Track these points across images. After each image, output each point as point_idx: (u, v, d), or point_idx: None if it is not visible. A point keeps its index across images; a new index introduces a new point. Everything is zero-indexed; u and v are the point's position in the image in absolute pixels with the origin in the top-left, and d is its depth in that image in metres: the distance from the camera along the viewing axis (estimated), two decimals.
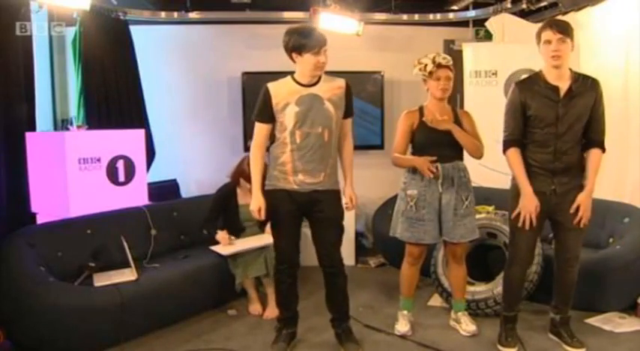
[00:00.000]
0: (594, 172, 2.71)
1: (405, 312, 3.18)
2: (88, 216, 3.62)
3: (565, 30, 2.62)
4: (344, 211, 2.89)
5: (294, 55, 2.72)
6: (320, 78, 2.79)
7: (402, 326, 3.12)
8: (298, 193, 2.76)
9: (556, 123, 2.65)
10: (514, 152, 2.73)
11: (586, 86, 2.68)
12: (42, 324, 2.85)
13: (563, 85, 2.67)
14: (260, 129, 2.79)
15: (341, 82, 2.83)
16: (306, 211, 2.83)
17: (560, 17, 4.58)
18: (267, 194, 2.81)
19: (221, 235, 3.64)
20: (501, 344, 2.90)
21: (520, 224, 2.71)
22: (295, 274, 2.92)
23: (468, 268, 3.22)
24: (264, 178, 2.82)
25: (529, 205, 2.68)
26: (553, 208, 2.74)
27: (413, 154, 3.07)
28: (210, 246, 3.63)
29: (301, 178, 2.75)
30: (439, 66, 2.98)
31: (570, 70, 2.70)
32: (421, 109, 3.07)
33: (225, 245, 3.59)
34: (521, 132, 2.73)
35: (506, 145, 2.76)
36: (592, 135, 2.71)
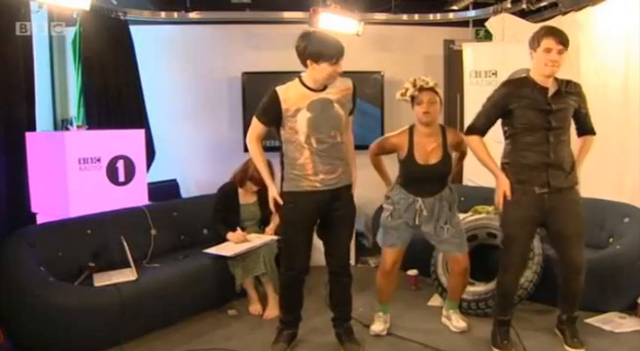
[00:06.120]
0: (586, 153, 2.87)
1: (381, 314, 3.20)
2: (88, 216, 3.62)
3: (566, 42, 2.64)
4: (356, 209, 2.92)
5: (308, 61, 2.65)
6: None
7: (376, 326, 3.15)
8: (320, 192, 2.75)
9: (548, 118, 2.66)
10: (477, 139, 2.79)
11: (571, 87, 2.74)
12: (42, 324, 2.85)
13: (552, 88, 2.71)
14: (257, 126, 2.77)
15: (348, 83, 2.82)
16: (325, 210, 2.81)
17: (560, 17, 4.59)
18: (289, 196, 2.78)
19: (234, 234, 3.63)
20: (497, 347, 2.89)
21: (501, 202, 2.76)
22: (304, 280, 2.91)
23: None
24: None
25: (503, 184, 2.74)
26: (547, 213, 2.72)
27: (399, 174, 3.05)
28: (205, 250, 3.60)
29: (322, 177, 2.74)
30: (421, 89, 2.90)
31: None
32: (411, 133, 2.98)
33: (239, 243, 3.57)
34: (489, 126, 2.79)
35: (470, 130, 2.82)
36: (585, 125, 2.84)
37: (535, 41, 2.67)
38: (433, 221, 2.99)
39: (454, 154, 3.06)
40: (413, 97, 2.94)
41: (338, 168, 2.78)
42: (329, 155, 2.73)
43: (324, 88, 2.74)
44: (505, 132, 2.81)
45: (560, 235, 2.76)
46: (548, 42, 2.62)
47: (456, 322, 3.18)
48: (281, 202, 2.78)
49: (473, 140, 2.81)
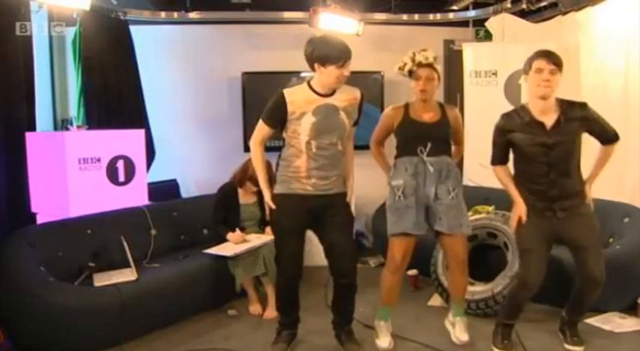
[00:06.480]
0: (604, 162, 2.79)
1: (383, 322, 3.03)
2: (88, 216, 3.62)
3: (559, 63, 2.59)
4: (353, 216, 2.89)
5: (316, 65, 2.65)
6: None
7: (383, 341, 2.97)
8: (311, 196, 2.74)
9: (547, 153, 2.63)
10: (499, 169, 2.86)
11: (574, 113, 2.64)
12: (42, 324, 2.85)
13: (550, 118, 2.64)
14: (263, 129, 2.78)
15: (357, 93, 2.81)
16: (317, 216, 2.79)
17: (560, 17, 4.60)
18: (279, 198, 2.77)
19: (233, 235, 3.63)
20: (497, 346, 2.88)
21: (515, 225, 2.77)
22: (297, 284, 2.90)
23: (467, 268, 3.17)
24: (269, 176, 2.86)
25: (519, 209, 2.76)
26: (558, 228, 2.70)
27: (398, 148, 2.98)
28: (205, 250, 3.60)
29: (314, 181, 2.73)
30: (419, 65, 2.86)
31: (557, 99, 2.66)
32: (406, 106, 2.96)
33: (238, 244, 3.58)
34: (503, 156, 2.83)
35: (492, 163, 2.88)
36: (605, 136, 2.74)
37: (527, 65, 2.66)
38: (442, 184, 2.85)
39: (454, 148, 3.02)
40: (411, 72, 2.91)
41: (332, 175, 2.76)
42: (325, 161, 2.72)
43: (332, 93, 2.73)
44: (514, 157, 2.81)
45: (577, 245, 2.72)
46: (539, 63, 2.59)
47: (459, 333, 2.98)
48: (273, 206, 2.77)
49: (496, 170, 2.86)
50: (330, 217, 2.78)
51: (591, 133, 2.71)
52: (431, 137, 2.87)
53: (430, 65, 2.88)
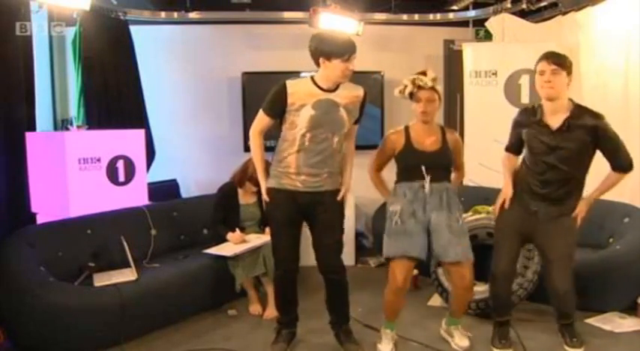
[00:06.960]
0: (603, 188, 2.73)
1: (389, 331, 2.98)
2: (88, 216, 3.62)
3: (561, 62, 2.58)
4: (344, 214, 2.88)
5: (321, 60, 2.67)
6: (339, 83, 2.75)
7: (385, 346, 2.95)
8: (301, 193, 2.75)
9: (548, 154, 2.64)
10: (506, 155, 2.96)
11: (584, 120, 2.60)
12: (42, 324, 2.85)
13: (558, 120, 2.62)
14: (263, 119, 2.78)
15: (360, 92, 2.81)
16: (307, 213, 2.81)
17: (560, 17, 4.60)
18: (271, 192, 2.81)
19: (233, 235, 3.63)
20: (495, 346, 2.90)
21: (499, 207, 2.87)
22: (294, 279, 2.91)
23: None
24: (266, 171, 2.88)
25: (505, 192, 2.86)
26: (535, 229, 2.74)
27: (398, 174, 2.94)
28: (205, 250, 3.61)
29: (304, 178, 2.74)
30: (419, 88, 2.83)
31: (572, 102, 2.65)
32: (407, 130, 2.91)
33: (237, 244, 3.58)
34: (515, 147, 2.89)
35: (505, 148, 2.97)
36: (612, 162, 2.68)
37: (534, 69, 2.69)
38: (444, 208, 2.82)
39: (453, 175, 2.99)
40: (412, 94, 2.88)
41: (323, 172, 2.75)
42: (317, 158, 2.72)
43: (335, 89, 2.74)
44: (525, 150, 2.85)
45: (544, 254, 2.78)
46: (541, 65, 2.63)
47: (459, 340, 2.98)
48: (267, 199, 2.81)
49: (504, 156, 2.97)
50: (319, 214, 2.79)
51: (603, 151, 2.65)
52: (432, 166, 2.85)
53: (431, 87, 2.85)
